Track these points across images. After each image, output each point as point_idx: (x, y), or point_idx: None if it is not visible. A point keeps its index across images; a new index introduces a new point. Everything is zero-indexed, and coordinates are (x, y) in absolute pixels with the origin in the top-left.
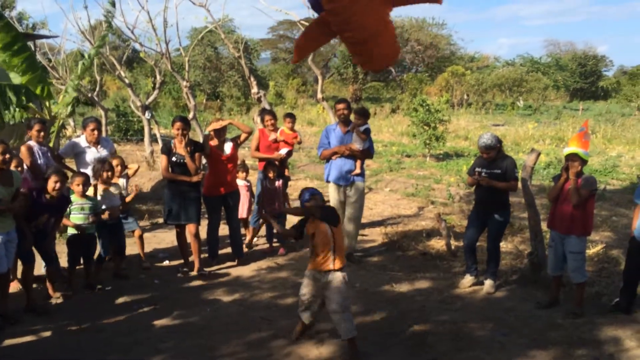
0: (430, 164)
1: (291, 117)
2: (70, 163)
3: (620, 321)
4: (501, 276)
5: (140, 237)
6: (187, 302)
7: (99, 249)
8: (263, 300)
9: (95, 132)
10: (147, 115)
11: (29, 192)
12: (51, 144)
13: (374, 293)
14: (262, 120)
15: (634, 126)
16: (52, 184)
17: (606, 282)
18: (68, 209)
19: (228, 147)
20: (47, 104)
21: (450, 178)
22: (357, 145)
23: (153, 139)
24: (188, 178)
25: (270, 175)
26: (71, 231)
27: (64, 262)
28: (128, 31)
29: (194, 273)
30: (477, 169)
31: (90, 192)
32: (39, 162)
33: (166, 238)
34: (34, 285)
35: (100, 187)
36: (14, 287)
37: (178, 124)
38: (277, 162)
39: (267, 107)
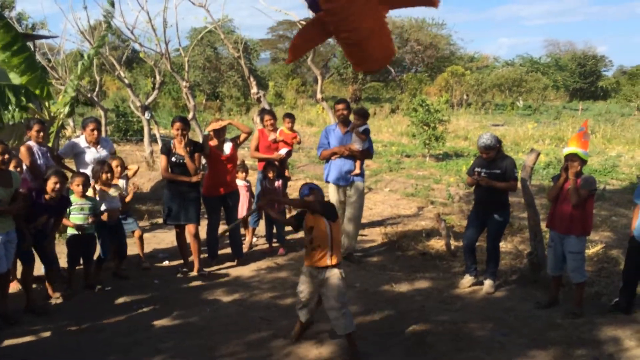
0: (430, 164)
1: (290, 117)
2: (70, 163)
3: (620, 321)
4: (501, 276)
5: (140, 238)
6: (186, 303)
7: (98, 250)
8: (263, 300)
9: (95, 132)
10: (147, 115)
11: (28, 192)
12: (50, 144)
13: (373, 293)
14: (262, 121)
15: (634, 126)
16: (51, 185)
17: (606, 282)
18: (68, 210)
19: (227, 148)
20: (46, 104)
21: (450, 178)
22: (356, 145)
23: (153, 139)
24: (187, 178)
25: (270, 175)
26: (71, 231)
27: (63, 262)
28: (127, 31)
29: (194, 273)
30: (476, 169)
31: (90, 192)
32: (38, 162)
33: (166, 238)
34: (34, 286)
35: (104, 191)
36: (14, 287)
37: (177, 124)
38: (276, 163)
39: (267, 107)
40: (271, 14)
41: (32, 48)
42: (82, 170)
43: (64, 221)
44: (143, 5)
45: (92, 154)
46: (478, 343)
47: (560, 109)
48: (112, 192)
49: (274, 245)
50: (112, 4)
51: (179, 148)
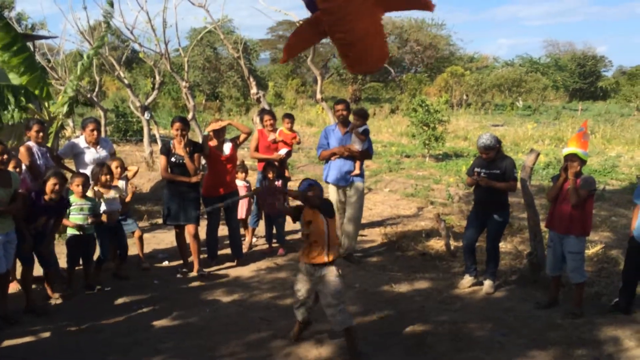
0: (430, 164)
1: (290, 117)
2: (70, 164)
3: (620, 321)
4: (500, 276)
5: (140, 238)
6: (186, 303)
7: (98, 251)
8: (262, 300)
9: (95, 132)
10: (147, 115)
11: (27, 193)
12: (49, 145)
13: (373, 293)
14: (262, 121)
15: (633, 126)
16: (50, 186)
17: (605, 282)
18: (67, 210)
19: (227, 148)
20: (46, 104)
21: (450, 178)
22: (356, 146)
23: (152, 140)
24: (187, 179)
25: (270, 175)
26: (70, 232)
27: (63, 262)
28: (127, 32)
29: (194, 274)
30: (476, 169)
31: (90, 193)
32: (38, 162)
33: (165, 239)
34: (33, 286)
35: (100, 191)
36: (13, 287)
37: (177, 125)
38: (276, 163)
39: (267, 107)
40: (271, 14)
41: (32, 48)
42: (81, 171)
43: (64, 221)
44: (143, 6)
45: (91, 154)
46: (478, 343)
47: (560, 109)
48: (113, 193)
49: (273, 245)
50: (112, 4)
51: (179, 148)
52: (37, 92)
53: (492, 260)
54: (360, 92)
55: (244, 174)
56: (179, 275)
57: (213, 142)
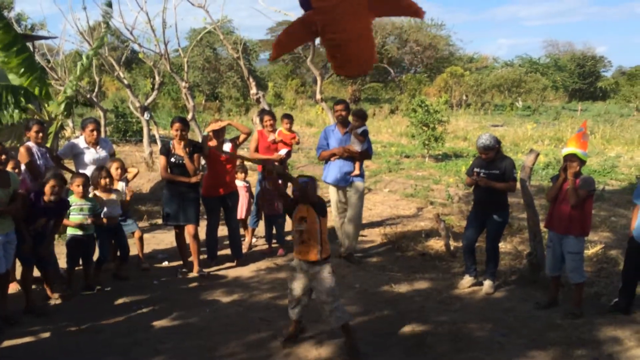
0: (429, 164)
1: (289, 117)
2: (69, 164)
3: (619, 321)
4: (500, 277)
5: (140, 239)
6: (186, 303)
7: (98, 251)
8: (262, 301)
9: (95, 132)
10: (146, 116)
11: (27, 194)
12: (48, 145)
13: (373, 294)
14: (261, 121)
15: (633, 127)
16: (50, 188)
17: (605, 282)
18: (67, 210)
19: (227, 148)
20: (45, 105)
21: (449, 179)
22: (355, 147)
23: (152, 140)
24: (187, 179)
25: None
26: (70, 232)
27: (62, 263)
28: (127, 32)
29: (193, 274)
30: (475, 170)
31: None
32: (37, 163)
33: (165, 239)
34: (33, 287)
35: (101, 197)
36: (13, 288)
37: (177, 125)
38: (276, 163)
39: (266, 107)
40: (270, 14)
41: (31, 49)
42: (81, 171)
43: (65, 221)
44: (142, 6)
45: (91, 155)
46: (477, 344)
47: (560, 109)
48: (113, 197)
49: (273, 245)
50: (110, 5)
51: (178, 149)
52: (36, 92)
53: (492, 261)
54: (359, 93)
55: (243, 174)
56: (178, 276)
57: (213, 143)
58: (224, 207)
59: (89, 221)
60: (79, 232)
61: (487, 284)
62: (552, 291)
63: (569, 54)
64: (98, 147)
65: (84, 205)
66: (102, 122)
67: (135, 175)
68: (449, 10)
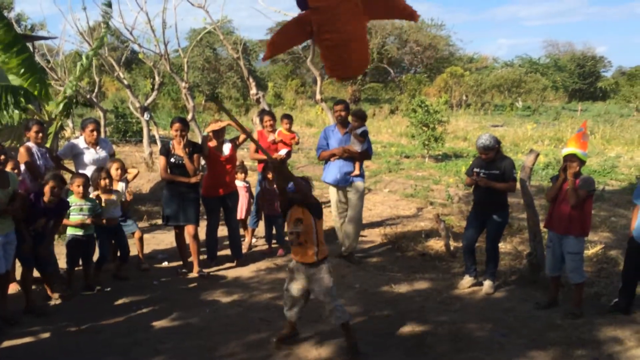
0: (429, 164)
1: (288, 118)
2: (69, 164)
3: (619, 321)
4: (500, 277)
5: (140, 239)
6: (186, 303)
7: (98, 252)
8: (262, 301)
9: (94, 133)
10: (146, 116)
11: (26, 194)
12: (48, 145)
13: (373, 294)
14: (261, 121)
15: (633, 127)
16: (49, 189)
17: (605, 282)
18: (67, 211)
19: (227, 148)
20: (45, 105)
21: (449, 179)
22: (355, 147)
23: (152, 140)
24: (187, 179)
25: (269, 176)
26: (70, 232)
27: (62, 263)
28: (127, 32)
29: (193, 274)
30: (475, 170)
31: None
32: (37, 163)
33: (165, 239)
34: (33, 287)
35: (103, 197)
36: (13, 288)
37: (177, 125)
38: None
39: (266, 108)
40: (270, 14)
41: (31, 49)
42: (81, 171)
43: (65, 221)
44: (142, 6)
45: (91, 155)
46: (477, 344)
47: (560, 109)
48: (114, 197)
49: (273, 246)
50: (110, 5)
51: (178, 149)
52: (36, 92)
53: (492, 261)
54: (359, 93)
55: (243, 175)
56: (178, 276)
57: (212, 143)
58: (223, 208)
59: (89, 221)
60: (79, 233)
61: (487, 284)
62: (552, 291)
63: (569, 54)
64: (98, 148)
65: (84, 206)
66: (102, 123)
67: (135, 176)
68: (449, 10)
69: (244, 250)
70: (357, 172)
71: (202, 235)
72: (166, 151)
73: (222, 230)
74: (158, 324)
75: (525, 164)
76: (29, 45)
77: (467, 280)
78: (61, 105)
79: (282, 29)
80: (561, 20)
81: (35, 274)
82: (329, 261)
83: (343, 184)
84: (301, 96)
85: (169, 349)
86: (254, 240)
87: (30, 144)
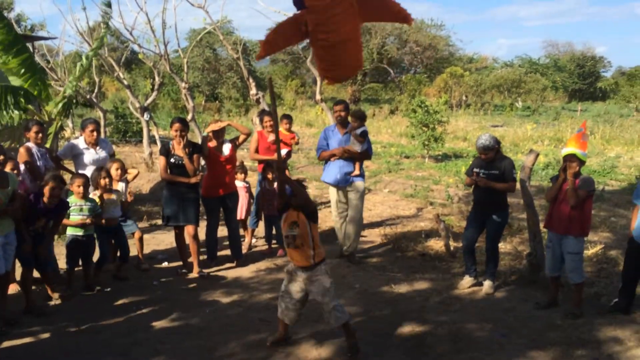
0: (429, 165)
1: (288, 118)
2: (69, 164)
3: (619, 321)
4: (500, 277)
5: (140, 239)
6: (186, 304)
7: (98, 252)
8: (262, 301)
9: (94, 133)
10: (146, 116)
11: (26, 195)
12: (48, 145)
13: (373, 294)
14: (261, 122)
15: (633, 127)
16: (49, 190)
17: (605, 282)
18: (67, 211)
19: (226, 149)
20: (45, 105)
21: (449, 179)
22: (355, 147)
23: (152, 141)
24: (186, 179)
25: (269, 176)
26: (70, 232)
27: (62, 264)
28: (127, 32)
29: (193, 274)
30: (475, 170)
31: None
32: (37, 163)
33: (165, 239)
34: (33, 287)
35: (103, 196)
36: (13, 289)
37: (176, 125)
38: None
39: (266, 108)
40: (270, 15)
41: (31, 49)
42: (81, 172)
43: (64, 221)
44: (142, 7)
45: (91, 155)
46: (477, 344)
47: (559, 109)
48: (114, 197)
49: (273, 246)
50: (109, 5)
51: (178, 149)
52: (36, 93)
53: (492, 261)
54: (359, 93)
55: (243, 175)
56: (178, 276)
57: (212, 143)
58: (223, 208)
59: (89, 221)
60: (79, 233)
61: (487, 284)
62: (552, 291)
63: (569, 54)
64: (98, 148)
65: (84, 206)
66: (102, 123)
67: (135, 177)
68: (448, 11)
69: (244, 250)
70: (357, 172)
71: (202, 235)
72: (166, 151)
73: (222, 231)
74: (158, 324)
75: (525, 164)
76: (29, 45)
77: (467, 280)
78: (60, 105)
79: (277, 28)
80: (561, 21)
81: (35, 274)
82: (326, 263)
83: (343, 184)
84: (301, 96)
85: (169, 349)
86: (253, 240)
87: (30, 144)
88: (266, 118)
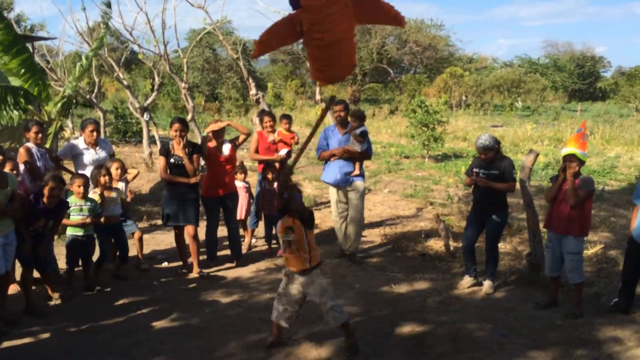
0: (429, 165)
1: (287, 118)
2: (69, 165)
3: (619, 321)
4: (500, 277)
5: (140, 239)
6: (186, 304)
7: (98, 252)
8: (262, 301)
9: (94, 133)
10: (146, 116)
11: (26, 195)
12: (48, 146)
13: (373, 294)
14: (261, 122)
15: (632, 127)
16: (48, 190)
17: (605, 282)
18: (67, 211)
19: (226, 149)
20: (44, 105)
21: (449, 179)
22: (355, 147)
23: (151, 141)
24: (186, 179)
25: (269, 176)
26: (70, 232)
27: (62, 264)
28: (126, 33)
29: (193, 274)
30: (475, 170)
31: (95, 197)
32: (37, 164)
33: (165, 239)
34: (33, 288)
35: (104, 193)
36: (13, 289)
37: (176, 126)
38: (277, 164)
39: (266, 108)
40: (270, 15)
41: (31, 50)
42: (80, 172)
43: (64, 221)
44: (142, 7)
45: (90, 156)
46: (477, 344)
47: (559, 109)
48: (114, 195)
49: (273, 246)
50: (109, 5)
51: (178, 149)
52: (36, 93)
53: (492, 261)
54: (359, 93)
55: (243, 175)
56: (178, 276)
57: (212, 143)
58: (223, 208)
59: (89, 220)
60: (79, 233)
61: (487, 284)
62: (552, 291)
63: (569, 54)
64: (97, 148)
65: (84, 206)
66: (102, 123)
67: (135, 177)
68: (448, 11)
69: (244, 250)
70: (357, 172)
71: (201, 235)
72: (166, 152)
73: (222, 231)
74: (158, 324)
75: (524, 164)
76: (29, 45)
77: (467, 280)
78: (59, 104)
79: (271, 27)
80: (560, 21)
81: (36, 274)
82: (323, 265)
83: (343, 184)
84: (301, 96)
85: (169, 349)
86: (253, 240)
87: (30, 144)
88: (266, 118)
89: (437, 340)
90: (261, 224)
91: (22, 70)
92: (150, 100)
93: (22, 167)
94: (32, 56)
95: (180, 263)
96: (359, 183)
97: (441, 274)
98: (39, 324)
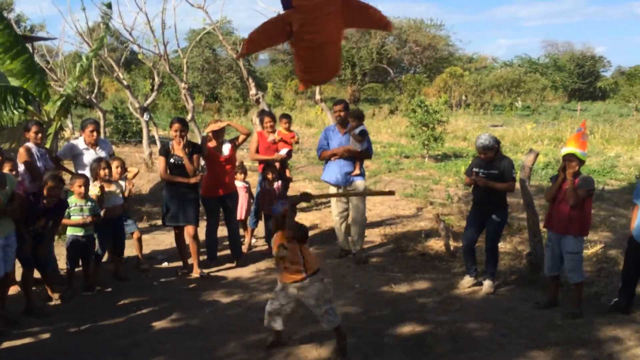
0: (429, 164)
1: (287, 117)
2: (69, 165)
3: (619, 321)
4: (500, 277)
5: (139, 239)
6: (186, 304)
7: (96, 247)
8: (262, 301)
9: (94, 133)
10: (146, 117)
11: (26, 195)
12: (48, 146)
13: (373, 294)
14: (261, 122)
15: (632, 126)
16: (48, 190)
17: (605, 282)
18: (67, 211)
19: (226, 149)
20: (44, 105)
21: (449, 179)
22: (355, 147)
23: (151, 141)
24: (186, 180)
25: (269, 176)
26: (70, 232)
27: (62, 264)
28: (126, 33)
29: (193, 274)
30: (474, 170)
31: (95, 189)
32: (37, 164)
33: (165, 240)
34: (33, 288)
35: (102, 186)
36: (13, 289)
37: (176, 126)
38: (277, 164)
39: (266, 108)
40: (270, 15)
41: (31, 50)
42: (80, 172)
43: (65, 221)
44: (141, 7)
45: (90, 156)
46: (477, 344)
47: (559, 109)
48: (114, 187)
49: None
50: (109, 5)
51: (178, 149)
52: (36, 93)
53: (491, 261)
54: (359, 93)
55: (243, 175)
56: (178, 276)
57: (212, 143)
58: (223, 208)
59: (89, 220)
60: (79, 233)
61: (487, 284)
62: (552, 291)
63: (568, 54)
64: (97, 148)
65: (84, 206)
66: (102, 123)
67: (135, 175)
68: (448, 11)
69: (244, 250)
70: (357, 171)
71: (201, 235)
72: (166, 152)
73: (222, 231)
74: (158, 324)
75: (524, 163)
76: (29, 46)
77: (467, 280)
78: (58, 104)
79: (261, 27)
80: (560, 20)
81: (36, 274)
82: (320, 272)
83: (343, 183)
84: (301, 96)
85: (169, 350)
86: (253, 240)
87: (30, 144)
88: (266, 118)
89: (437, 340)
90: (261, 224)
91: (22, 71)
92: (150, 100)
93: (21, 167)
94: (32, 57)
95: (181, 263)
96: (359, 183)
97: (441, 274)
98: (39, 324)
